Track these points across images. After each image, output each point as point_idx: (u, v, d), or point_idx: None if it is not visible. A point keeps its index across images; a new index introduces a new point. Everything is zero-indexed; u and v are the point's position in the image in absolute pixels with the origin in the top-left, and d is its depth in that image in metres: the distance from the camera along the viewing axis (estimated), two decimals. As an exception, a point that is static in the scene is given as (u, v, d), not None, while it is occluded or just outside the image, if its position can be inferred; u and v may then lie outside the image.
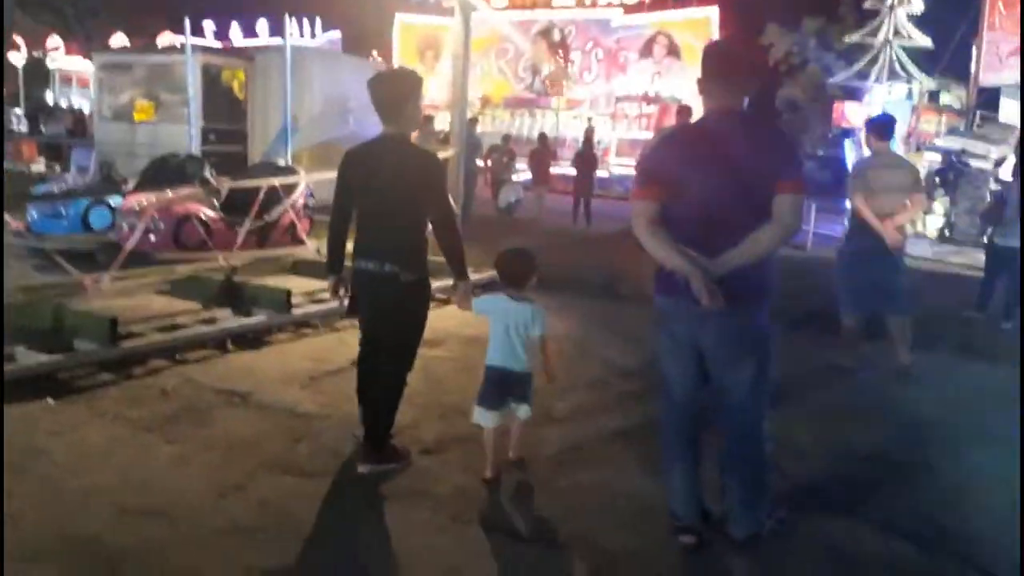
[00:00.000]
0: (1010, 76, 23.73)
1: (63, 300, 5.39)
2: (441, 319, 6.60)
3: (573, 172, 14.42)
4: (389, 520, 3.29)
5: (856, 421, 4.77)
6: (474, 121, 12.40)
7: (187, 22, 9.68)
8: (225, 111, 13.17)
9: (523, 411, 3.61)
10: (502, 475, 3.63)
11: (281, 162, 9.04)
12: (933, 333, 6.88)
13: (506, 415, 3.58)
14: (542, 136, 16.37)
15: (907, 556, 3.21)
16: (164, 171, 8.37)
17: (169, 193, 7.12)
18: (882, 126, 5.70)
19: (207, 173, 8.27)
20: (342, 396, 4.60)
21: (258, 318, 5.75)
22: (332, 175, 8.73)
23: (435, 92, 23.96)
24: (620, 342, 6.16)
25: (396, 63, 27.19)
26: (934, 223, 16.45)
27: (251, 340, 5.59)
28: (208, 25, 32.37)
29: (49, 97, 24.41)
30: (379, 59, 26.97)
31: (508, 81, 27.21)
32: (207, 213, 7.41)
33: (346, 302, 3.83)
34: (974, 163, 18.10)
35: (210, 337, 5.30)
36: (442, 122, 13.66)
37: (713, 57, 2.94)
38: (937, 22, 27.77)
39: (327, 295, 6.40)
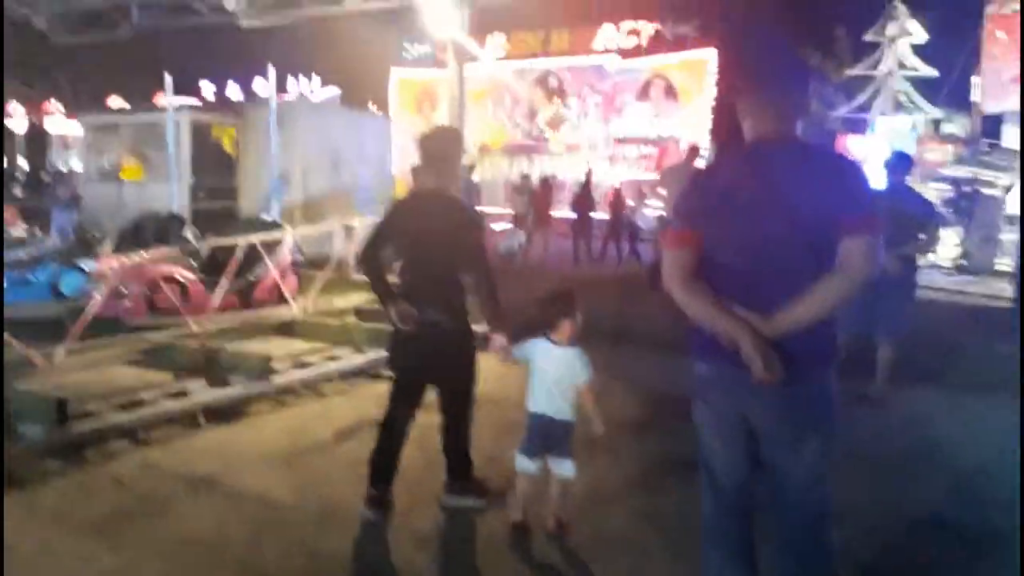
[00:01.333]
0: (1013, 102, 23.49)
1: (19, 378, 4.88)
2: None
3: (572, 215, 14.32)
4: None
5: (892, 473, 4.19)
6: (470, 168, 12.03)
7: (168, 78, 9.38)
8: (216, 167, 12.90)
9: (566, 468, 3.38)
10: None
11: (268, 218, 8.61)
12: (970, 368, 6.37)
13: (544, 469, 3.41)
14: (543, 179, 16.04)
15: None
16: (143, 231, 7.97)
17: (143, 254, 6.66)
18: (898, 164, 5.86)
19: (187, 232, 7.84)
20: (321, 478, 4.08)
21: (234, 388, 5.22)
22: (322, 229, 8.40)
23: (433, 142, 23.79)
24: (636, 395, 5.61)
25: (393, 115, 27.23)
26: (948, 253, 15.92)
27: (226, 413, 5.05)
28: (207, 86, 32.67)
29: (54, 162, 24.37)
30: (377, 111, 27.01)
31: (505, 128, 27.09)
32: (185, 275, 6.95)
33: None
34: (984, 191, 17.71)
35: (178, 413, 4.77)
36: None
37: (763, 68, 2.39)
38: (936, 52, 27.67)
39: (312, 358, 6.08)
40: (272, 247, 7.45)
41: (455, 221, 3.53)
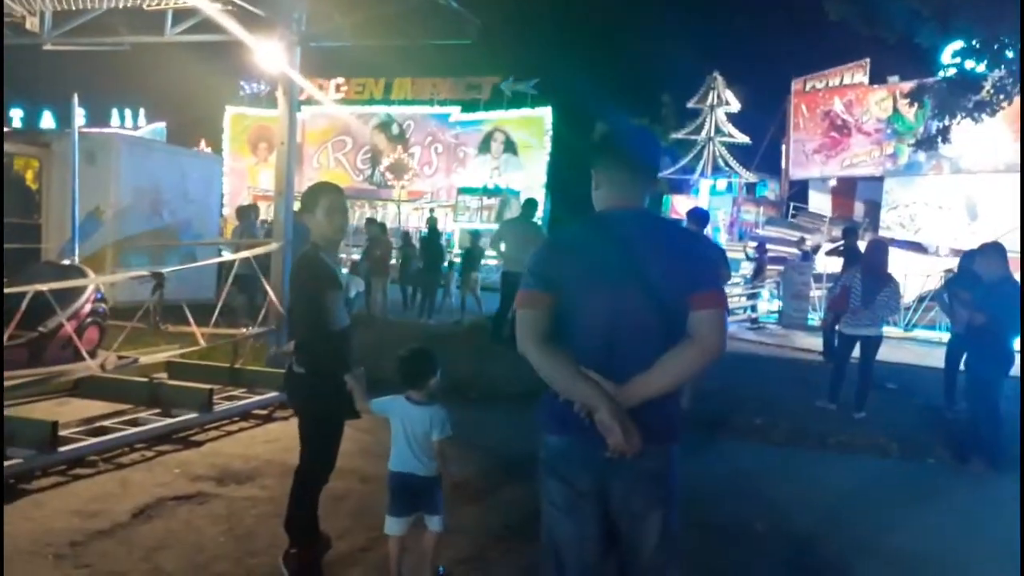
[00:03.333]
0: (815, 171, 26.01)
1: None
2: (254, 443, 5.60)
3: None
4: None
5: (725, 540, 4.20)
6: (299, 214, 11.47)
7: (-55, 101, 8.31)
8: (15, 203, 11.56)
9: (435, 523, 3.37)
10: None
11: (68, 262, 7.72)
12: (797, 426, 6.68)
13: (416, 525, 3.39)
14: (381, 227, 15.69)
15: None
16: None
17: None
18: (700, 218, 7.22)
19: (-32, 276, 6.84)
20: (115, 570, 3.49)
21: (11, 461, 4.47)
22: (132, 274, 7.63)
23: (268, 183, 23.15)
24: (476, 453, 5.38)
25: (226, 154, 26.04)
26: (763, 308, 17.11)
27: (1, 491, 4.30)
28: (16, 113, 29.83)
29: None
30: (207, 149, 25.70)
31: (347, 172, 26.64)
32: (-43, 327, 6.00)
33: None
34: (784, 249, 19.22)
35: (-68, 495, 4.00)
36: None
37: (622, 144, 2.42)
38: (750, 121, 30.18)
39: (108, 423, 5.40)
40: (70, 295, 6.63)
41: (297, 277, 3.64)
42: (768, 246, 18.69)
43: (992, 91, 11.60)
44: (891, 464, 6.04)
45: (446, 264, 15.31)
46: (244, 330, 7.67)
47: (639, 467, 2.19)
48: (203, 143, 27.01)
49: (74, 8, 8.30)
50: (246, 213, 11.33)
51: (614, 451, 2.13)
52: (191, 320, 6.88)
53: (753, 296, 17.00)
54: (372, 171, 26.98)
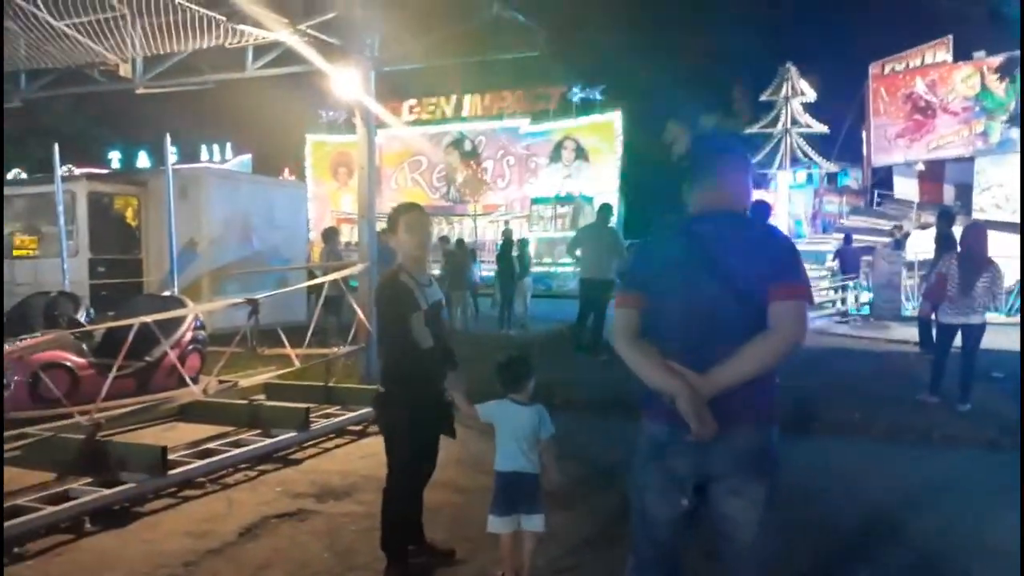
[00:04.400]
0: (899, 156, 25.00)
1: None
2: (350, 459, 5.76)
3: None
4: None
5: (829, 540, 4.08)
6: (385, 235, 11.73)
7: (55, 147, 8.85)
8: (117, 240, 12.27)
9: (535, 522, 3.51)
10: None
11: (168, 292, 8.13)
12: (898, 420, 6.44)
13: (516, 525, 3.52)
14: (459, 241, 15.91)
15: None
16: (30, 312, 7.35)
17: (25, 339, 6.11)
18: (758, 211, 7.34)
19: (80, 312, 7.28)
20: (224, 586, 3.66)
21: (125, 486, 4.74)
22: (228, 302, 7.98)
23: (349, 206, 23.81)
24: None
25: (309, 180, 26.91)
26: (852, 301, 16.50)
27: (117, 514, 4.56)
28: (115, 154, 31.59)
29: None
30: (291, 177, 26.62)
31: (423, 191, 27.10)
32: (74, 359, 6.40)
33: None
34: (874, 239, 18.50)
35: (57, 520, 4.27)
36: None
37: (713, 154, 2.61)
38: (829, 109, 29.25)
39: (213, 445, 5.66)
40: (172, 325, 6.98)
41: (379, 300, 3.73)
42: (854, 236, 18.07)
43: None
44: (1002, 458, 5.72)
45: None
46: (336, 349, 7.90)
47: (734, 445, 2.34)
48: (287, 171, 27.98)
49: (162, 52, 8.76)
50: (331, 236, 11.68)
51: (695, 436, 2.28)
52: (285, 342, 7.13)
53: (842, 289, 16.44)
54: (448, 188, 27.40)
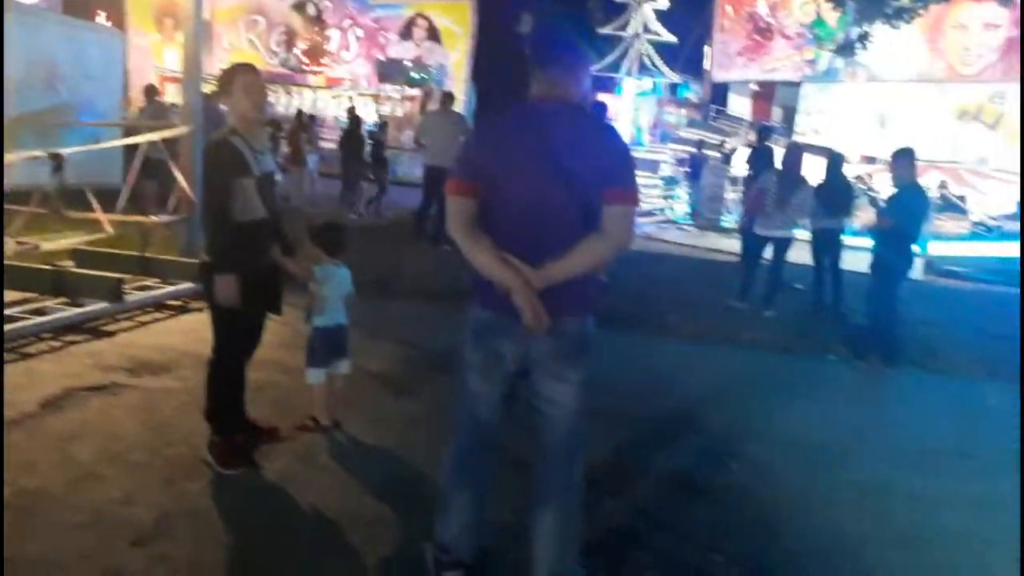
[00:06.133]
0: (737, 74, 26.13)
1: None
2: (168, 334, 5.47)
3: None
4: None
5: (634, 428, 4.42)
6: (215, 96, 10.79)
7: None
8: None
9: (345, 365, 4.05)
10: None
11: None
12: (708, 323, 6.96)
13: (331, 373, 4.00)
14: (299, 113, 15.03)
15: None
16: None
17: None
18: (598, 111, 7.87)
19: None
20: (23, 461, 3.39)
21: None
22: (27, 154, 7.12)
23: (174, 63, 21.80)
24: (390, 347, 5.41)
25: (129, 28, 24.18)
26: (680, 209, 17.46)
27: None
28: None
29: None
30: (108, 23, 23.78)
31: (260, 55, 25.13)
32: None
33: None
34: (709, 153, 19.58)
35: None
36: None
37: (557, 39, 2.60)
38: (676, 20, 29.78)
39: (12, 311, 5.12)
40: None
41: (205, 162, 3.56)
42: (688, 148, 18.90)
43: (912, -1, 11.77)
44: (794, 360, 6.38)
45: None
46: (154, 218, 7.33)
47: (559, 334, 2.48)
48: (102, 16, 24.95)
49: None
50: (153, 93, 10.62)
51: (528, 327, 2.40)
52: (96, 205, 6.51)
53: (669, 197, 17.30)
54: (287, 54, 25.60)
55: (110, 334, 5.32)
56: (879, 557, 3.26)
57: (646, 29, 30.45)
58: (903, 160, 6.20)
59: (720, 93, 27.73)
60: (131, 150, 7.96)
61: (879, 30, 12.45)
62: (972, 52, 20.52)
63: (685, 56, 29.99)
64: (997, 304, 9.72)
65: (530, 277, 2.39)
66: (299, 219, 8.29)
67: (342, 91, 24.01)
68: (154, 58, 24.92)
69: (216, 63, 20.09)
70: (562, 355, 2.54)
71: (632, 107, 29.72)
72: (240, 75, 3.47)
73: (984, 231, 15.59)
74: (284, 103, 23.22)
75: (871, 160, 19.10)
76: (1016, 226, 15.49)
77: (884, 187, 12.89)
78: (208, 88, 8.09)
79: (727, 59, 25.78)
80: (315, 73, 24.40)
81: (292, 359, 4.60)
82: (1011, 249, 14.16)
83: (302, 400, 4.14)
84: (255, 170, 3.40)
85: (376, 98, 23.55)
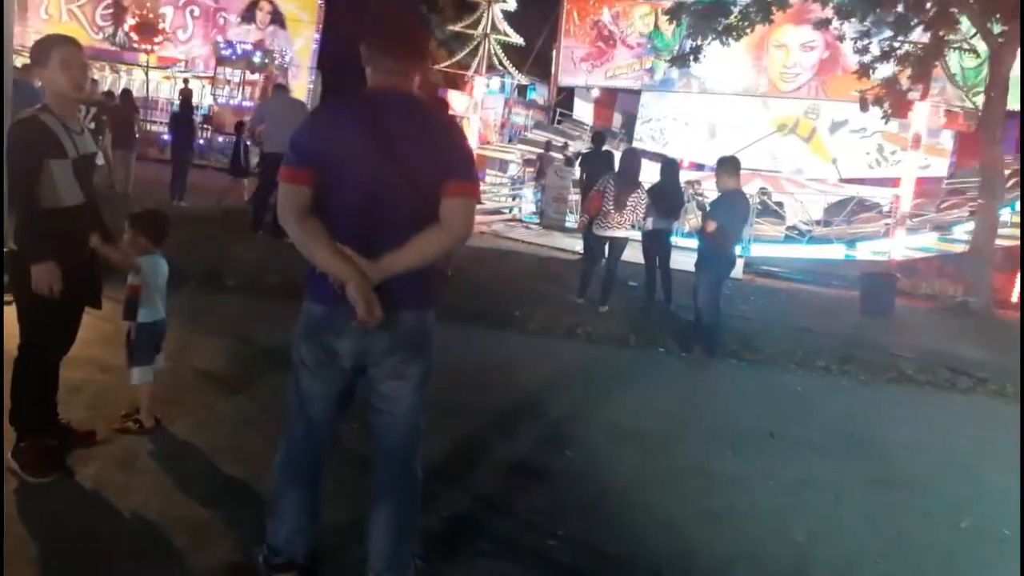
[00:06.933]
0: (581, 79, 27.02)
1: None
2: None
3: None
4: None
5: (474, 418, 4.50)
6: (27, 70, 9.82)
7: None
8: None
9: (161, 360, 3.85)
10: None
11: None
12: (550, 317, 7.16)
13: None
14: (125, 93, 13.99)
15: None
16: None
17: None
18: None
19: None
20: None
21: None
22: None
23: (-21, 31, 19.62)
24: (219, 342, 5.18)
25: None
26: (526, 209, 17.86)
27: None
28: None
29: None
30: None
31: (83, 29, 23.20)
32: None
33: None
34: (554, 155, 20.17)
35: None
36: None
37: (391, 23, 2.46)
38: (526, 22, 30.37)
39: None
40: None
41: (9, 141, 3.14)
42: (535, 149, 19.33)
43: (739, 17, 12.66)
44: (627, 352, 6.71)
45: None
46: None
47: (397, 330, 2.42)
48: None
49: None
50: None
51: (360, 321, 2.30)
52: None
53: (517, 196, 17.64)
54: (115, 30, 23.76)
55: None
56: (698, 533, 3.50)
57: (495, 29, 30.83)
58: (728, 167, 6.65)
59: (566, 97, 28.58)
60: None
61: (711, 45, 13.28)
62: (790, 70, 22.39)
63: (533, 58, 30.67)
64: (807, 301, 10.68)
65: (366, 270, 2.30)
66: (122, 206, 7.70)
67: (176, 72, 22.62)
68: (-45, 24, 22.33)
69: (31, 33, 18.31)
70: (400, 350, 2.47)
71: (480, 106, 30.05)
72: (57, 47, 3.16)
73: (798, 235, 17.06)
74: (110, 81, 21.56)
75: (700, 167, 20.38)
76: (825, 231, 17.11)
77: (712, 192, 13.82)
78: (20, 61, 7.38)
79: (572, 64, 26.60)
80: (147, 52, 22.80)
81: (112, 357, 4.29)
82: (821, 252, 15.64)
83: (120, 400, 3.88)
84: (70, 152, 3.14)
85: (213, 81, 22.36)
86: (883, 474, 4.50)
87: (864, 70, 12.77)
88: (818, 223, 17.82)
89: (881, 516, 3.93)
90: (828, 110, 21.78)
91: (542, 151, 19.04)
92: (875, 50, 12.74)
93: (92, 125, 11.20)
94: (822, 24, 12.82)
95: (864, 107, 13.28)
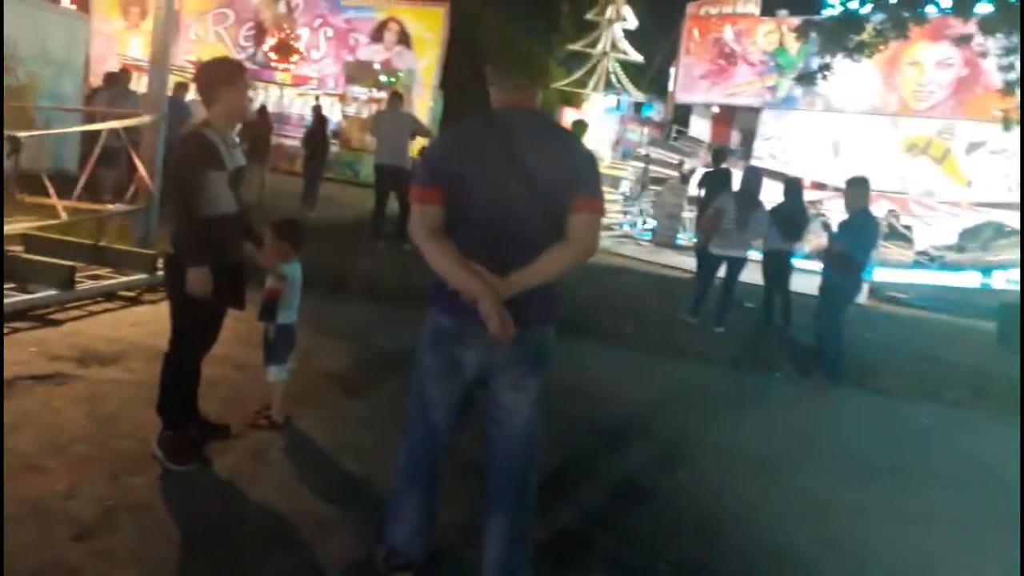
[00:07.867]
0: (700, 96, 26.62)
1: None
2: (119, 325, 5.38)
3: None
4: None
5: (585, 434, 4.50)
6: (183, 87, 10.66)
7: None
8: None
9: (291, 361, 4.05)
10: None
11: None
12: (661, 336, 7.08)
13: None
14: (261, 109, 14.85)
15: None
16: None
17: None
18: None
19: None
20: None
21: None
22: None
23: (138, 51, 21.47)
24: (343, 346, 5.41)
25: (94, 14, 23.70)
26: (640, 225, 17.70)
27: None
28: None
29: None
30: (72, 6, 23.27)
31: (227, 49, 24.81)
32: None
33: None
34: (664, 171, 19.91)
35: None
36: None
37: (513, 44, 2.51)
38: (646, 40, 30.21)
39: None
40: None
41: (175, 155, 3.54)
42: (650, 167, 19.16)
43: (873, 34, 12.16)
44: (741, 375, 6.54)
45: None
46: (110, 206, 7.20)
47: (521, 344, 2.44)
48: (67, 1, 24.42)
49: None
50: (116, 80, 10.42)
51: (493, 337, 2.34)
52: (51, 191, 6.38)
53: (629, 213, 17.52)
54: (255, 50, 25.32)
55: (58, 323, 5.22)
56: (815, 562, 3.38)
57: (615, 47, 30.82)
58: (857, 188, 6.38)
59: (683, 114, 28.21)
60: (88, 136, 7.82)
61: (839, 62, 12.81)
62: (924, 89, 21.27)
63: (651, 76, 30.45)
64: (934, 330, 10.08)
65: (497, 286, 2.35)
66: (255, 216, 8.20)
67: (308, 89, 23.82)
68: (118, 45, 24.47)
69: (182, 53, 19.80)
70: (523, 364, 2.52)
71: (598, 123, 30.07)
72: (231, 67, 3.51)
73: (927, 261, 16.12)
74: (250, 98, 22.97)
75: (822, 186, 19.62)
76: (958, 258, 16.09)
77: (835, 213, 13.29)
78: (175, 79, 8.00)
79: (691, 81, 26.25)
80: (283, 71, 24.16)
81: (245, 355, 4.59)
82: (951, 279, 14.73)
83: (254, 397, 4.13)
84: (228, 164, 3.40)
85: (342, 98, 23.40)
86: (1015, 511, 4.21)
87: (1009, 88, 11.98)
88: (950, 248, 16.79)
89: (1012, 553, 3.68)
90: (964, 130, 20.52)
91: (643, 165, 18.76)
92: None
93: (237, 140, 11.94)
94: (963, 40, 12.14)
95: (1007, 126, 12.47)
